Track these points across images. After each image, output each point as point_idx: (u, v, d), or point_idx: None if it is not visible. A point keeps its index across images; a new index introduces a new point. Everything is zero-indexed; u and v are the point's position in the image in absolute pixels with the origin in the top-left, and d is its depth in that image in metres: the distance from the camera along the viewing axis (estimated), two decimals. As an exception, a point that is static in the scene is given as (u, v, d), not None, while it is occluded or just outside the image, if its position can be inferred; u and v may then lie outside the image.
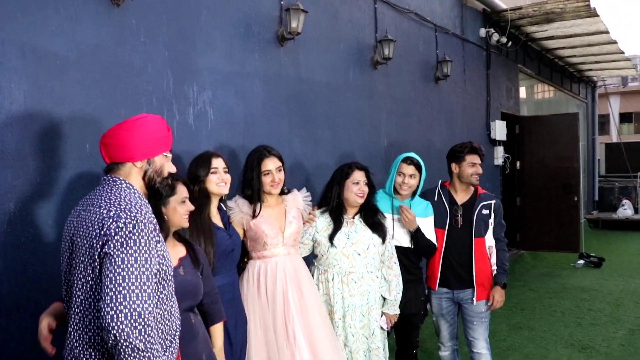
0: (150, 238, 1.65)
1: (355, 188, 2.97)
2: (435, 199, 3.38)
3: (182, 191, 2.20)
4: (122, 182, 1.78)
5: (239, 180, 2.80)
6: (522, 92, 8.82)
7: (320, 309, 2.82)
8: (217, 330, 2.36)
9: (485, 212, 3.34)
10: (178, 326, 1.85)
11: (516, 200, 8.28)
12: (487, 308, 3.35)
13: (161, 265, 1.73)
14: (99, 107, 2.60)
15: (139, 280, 1.59)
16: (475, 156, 3.36)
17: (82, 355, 1.69)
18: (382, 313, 3.04)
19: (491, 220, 3.36)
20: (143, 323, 1.57)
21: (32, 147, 2.35)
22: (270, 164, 2.79)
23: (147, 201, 1.81)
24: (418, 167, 3.23)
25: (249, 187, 2.79)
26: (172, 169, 1.92)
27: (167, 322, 1.78)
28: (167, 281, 1.78)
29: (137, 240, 1.62)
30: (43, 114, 2.40)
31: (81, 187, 2.51)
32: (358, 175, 2.99)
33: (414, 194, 3.28)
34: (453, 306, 3.44)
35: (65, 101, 2.48)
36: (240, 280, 2.74)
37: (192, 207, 2.22)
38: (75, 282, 1.69)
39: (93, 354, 1.68)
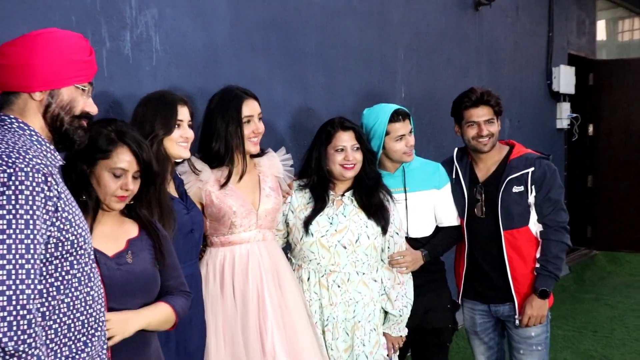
0: (35, 193, 1.64)
1: (339, 157, 2.96)
2: (453, 176, 3.37)
3: (119, 158, 2.15)
4: (14, 121, 1.79)
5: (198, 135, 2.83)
6: (601, 28, 8.80)
7: (306, 312, 2.88)
8: (157, 309, 2.21)
9: (517, 189, 3.23)
10: (102, 321, 1.88)
11: (587, 179, 8.35)
12: (544, 330, 3.34)
13: (63, 232, 1.73)
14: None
15: (13, 251, 1.59)
16: (476, 110, 3.24)
17: None
18: (384, 334, 3.07)
19: (531, 198, 3.25)
20: (16, 313, 1.56)
21: None
22: (251, 108, 2.83)
23: (51, 147, 1.83)
24: (409, 117, 3.25)
25: (218, 142, 2.79)
26: (91, 108, 1.91)
27: (78, 315, 1.79)
28: (78, 257, 1.79)
29: (14, 197, 1.61)
30: None
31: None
32: (344, 138, 2.97)
33: None
34: (492, 322, 3.46)
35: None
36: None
37: (131, 187, 2.16)
38: None
39: None
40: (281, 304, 2.80)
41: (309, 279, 2.97)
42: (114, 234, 2.21)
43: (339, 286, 2.93)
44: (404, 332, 3.10)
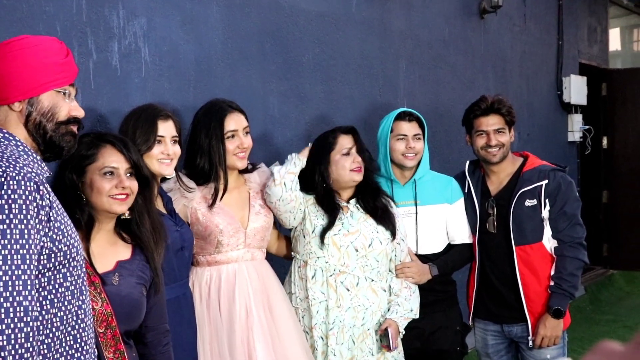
0: (28, 202, 1.68)
1: (349, 161, 3.01)
2: (465, 190, 3.41)
3: (106, 158, 2.22)
4: None
5: (184, 150, 2.86)
6: (615, 36, 8.84)
7: (300, 337, 2.89)
8: None
9: (529, 203, 3.26)
10: (91, 337, 1.90)
11: (602, 194, 8.36)
12: (560, 352, 3.32)
13: (55, 243, 1.76)
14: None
15: (9, 262, 1.62)
16: (486, 118, 3.29)
17: None
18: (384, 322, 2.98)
19: (545, 212, 3.27)
20: (14, 326, 1.59)
21: None
22: (235, 122, 2.86)
23: (37, 158, 1.87)
24: (421, 125, 3.28)
25: (202, 158, 2.84)
26: (77, 112, 1.95)
27: (69, 329, 1.82)
28: (71, 268, 1.82)
29: (7, 206, 1.65)
30: None
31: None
32: (346, 142, 3.04)
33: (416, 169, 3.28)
34: (505, 343, 3.48)
35: None
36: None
37: (127, 184, 2.22)
38: None
39: None
40: (270, 324, 2.82)
41: (314, 276, 2.97)
42: (104, 253, 2.23)
43: (347, 289, 2.95)
44: (402, 322, 3.01)
